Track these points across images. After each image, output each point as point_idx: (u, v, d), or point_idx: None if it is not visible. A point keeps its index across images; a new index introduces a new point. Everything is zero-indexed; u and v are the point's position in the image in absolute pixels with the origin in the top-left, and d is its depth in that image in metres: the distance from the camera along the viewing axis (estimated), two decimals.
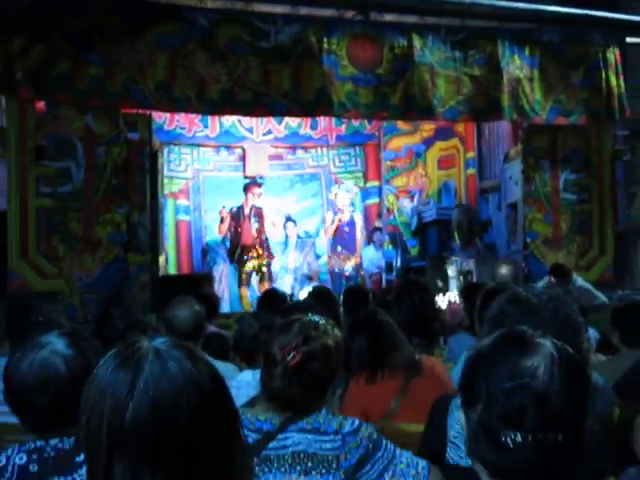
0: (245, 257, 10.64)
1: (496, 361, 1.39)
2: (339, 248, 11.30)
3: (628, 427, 3.12)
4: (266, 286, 10.39)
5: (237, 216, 10.76)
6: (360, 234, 11.73)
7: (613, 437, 2.74)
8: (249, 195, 10.88)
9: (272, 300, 5.92)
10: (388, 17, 7.98)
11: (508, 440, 1.32)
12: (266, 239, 10.93)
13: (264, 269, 10.73)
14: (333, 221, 11.41)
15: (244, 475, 1.34)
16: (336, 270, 11.10)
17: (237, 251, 10.66)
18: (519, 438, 1.31)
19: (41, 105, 7.20)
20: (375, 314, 3.51)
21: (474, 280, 8.46)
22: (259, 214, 10.83)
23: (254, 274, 10.69)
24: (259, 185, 11.07)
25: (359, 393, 3.19)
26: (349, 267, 11.19)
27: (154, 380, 1.22)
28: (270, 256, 10.94)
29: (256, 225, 10.75)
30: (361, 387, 3.21)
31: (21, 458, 1.95)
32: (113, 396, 1.22)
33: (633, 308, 3.97)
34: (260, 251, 10.73)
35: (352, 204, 11.79)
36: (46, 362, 2.07)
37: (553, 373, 1.34)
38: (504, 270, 8.76)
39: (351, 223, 11.52)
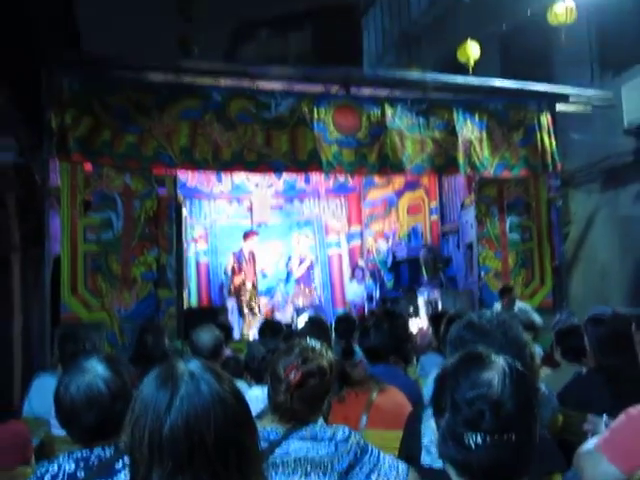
0: (242, 293, 10.53)
1: (459, 376, 1.41)
2: (302, 285, 11.23)
3: (569, 431, 3.09)
4: (258, 317, 10.39)
5: (239, 259, 10.72)
6: (318, 272, 11.64)
7: (557, 440, 2.70)
8: (248, 241, 10.83)
9: (269, 327, 5.86)
10: (365, 91, 8.07)
11: (470, 441, 1.33)
12: (256, 279, 10.82)
13: (253, 304, 10.59)
14: (301, 263, 11.34)
15: (258, 476, 1.34)
16: (297, 304, 10.99)
17: (237, 287, 10.56)
18: (479, 439, 1.32)
19: (88, 166, 7.19)
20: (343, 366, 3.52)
21: (439, 307, 8.45)
22: (253, 257, 10.75)
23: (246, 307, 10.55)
24: (256, 233, 11.03)
25: (335, 411, 3.20)
26: (308, 301, 11.11)
27: (188, 399, 1.25)
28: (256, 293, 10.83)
29: (251, 266, 10.68)
30: (335, 406, 3.22)
31: (70, 466, 1.94)
32: (154, 411, 1.24)
33: (572, 331, 3.94)
34: (252, 288, 10.63)
35: (310, 248, 11.81)
36: (90, 385, 2.06)
37: (505, 384, 1.36)
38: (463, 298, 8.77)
39: (311, 265, 11.48)
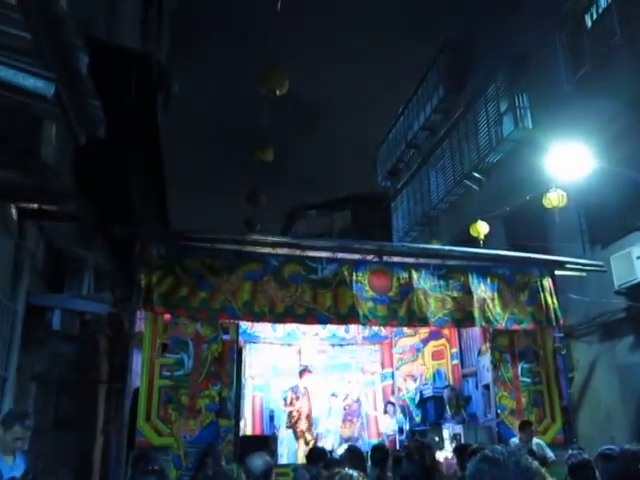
0: (297, 424, 10.15)
1: None
2: (347, 419, 10.84)
3: None
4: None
5: (296, 393, 10.47)
6: (366, 405, 11.24)
7: None
8: (304, 377, 10.62)
9: (316, 453, 5.66)
10: (395, 259, 8.13)
11: None
12: (310, 412, 10.46)
13: (308, 436, 10.16)
14: (345, 399, 11.05)
15: None
16: (346, 435, 10.56)
17: (295, 419, 10.21)
18: None
19: (167, 316, 7.23)
20: None
21: (462, 441, 7.97)
22: (307, 392, 10.47)
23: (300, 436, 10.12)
24: (310, 371, 10.83)
25: None
26: (354, 431, 10.66)
27: None
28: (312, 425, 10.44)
29: (307, 400, 10.38)
30: None
31: None
32: None
33: (584, 465, 3.64)
34: (308, 422, 10.28)
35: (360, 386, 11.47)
36: None
37: None
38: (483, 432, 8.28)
39: (357, 400, 11.13)
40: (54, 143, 4.46)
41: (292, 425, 10.19)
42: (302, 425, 10.09)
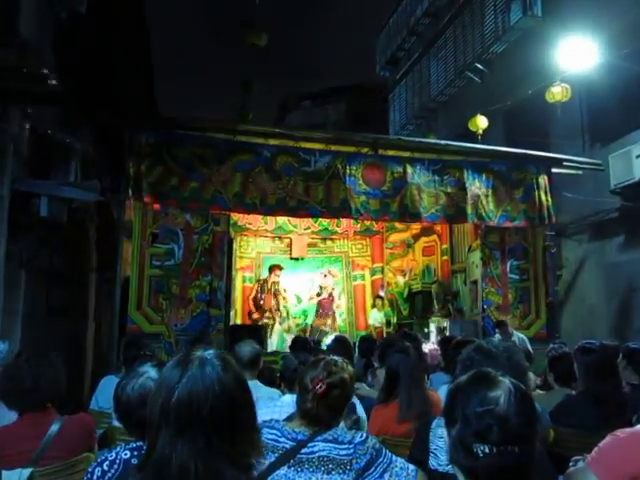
0: (259, 316, 10.54)
1: (470, 392, 1.36)
2: (320, 313, 11.24)
3: (560, 445, 2.95)
4: (275, 337, 10.44)
5: (262, 287, 10.73)
6: (334, 304, 11.52)
7: (549, 452, 2.57)
8: (272, 274, 10.82)
9: (300, 342, 5.87)
10: (390, 152, 8.03)
11: (479, 451, 1.28)
12: (278, 305, 10.76)
13: (272, 325, 10.53)
14: (319, 294, 11.35)
15: (250, 448, 1.33)
16: (319, 328, 10.97)
17: (256, 310, 10.59)
18: (486, 449, 1.27)
19: (157, 206, 7.23)
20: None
21: (447, 334, 8.28)
22: (276, 288, 10.75)
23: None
24: (280, 268, 11.00)
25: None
26: (326, 324, 11.07)
27: (194, 378, 1.29)
28: (279, 315, 10.77)
29: (274, 295, 10.68)
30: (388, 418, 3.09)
31: (126, 454, 1.92)
32: (167, 385, 1.30)
33: (563, 357, 3.81)
34: (273, 313, 10.59)
35: (336, 282, 11.71)
36: (143, 385, 2.07)
37: (510, 402, 1.31)
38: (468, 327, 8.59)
39: (330, 296, 11.41)
40: (34, 19, 4.25)
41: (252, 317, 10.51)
42: (265, 318, 10.44)
